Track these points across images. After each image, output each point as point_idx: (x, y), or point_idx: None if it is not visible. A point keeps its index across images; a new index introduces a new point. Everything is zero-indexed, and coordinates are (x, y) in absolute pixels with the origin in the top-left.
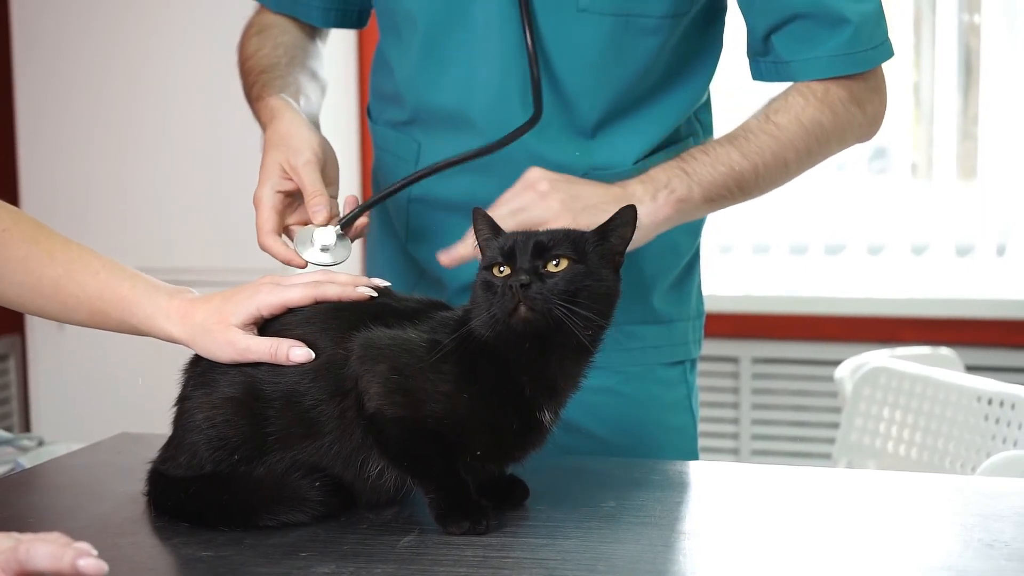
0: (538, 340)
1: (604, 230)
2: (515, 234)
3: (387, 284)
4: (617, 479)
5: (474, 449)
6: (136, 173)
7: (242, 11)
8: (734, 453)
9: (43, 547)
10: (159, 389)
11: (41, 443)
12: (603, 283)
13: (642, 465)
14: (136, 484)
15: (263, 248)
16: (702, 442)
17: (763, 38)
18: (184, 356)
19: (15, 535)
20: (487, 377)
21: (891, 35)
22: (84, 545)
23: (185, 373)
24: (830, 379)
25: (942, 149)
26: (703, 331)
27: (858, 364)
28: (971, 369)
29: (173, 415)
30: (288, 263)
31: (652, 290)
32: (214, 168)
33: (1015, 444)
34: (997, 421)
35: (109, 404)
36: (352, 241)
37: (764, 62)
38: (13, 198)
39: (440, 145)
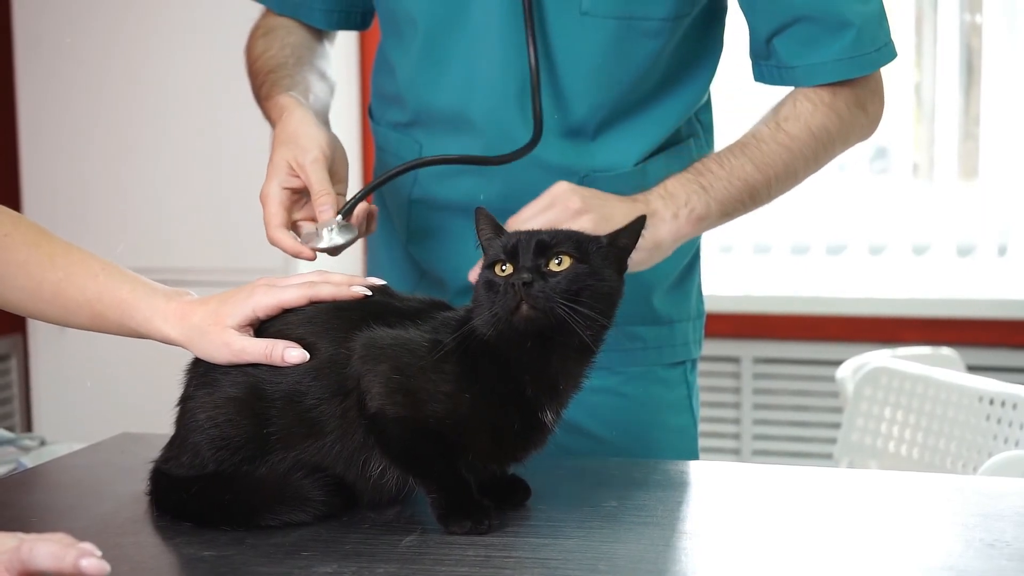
0: (540, 339)
1: (614, 236)
2: (517, 233)
3: (383, 283)
4: (618, 479)
5: (476, 449)
6: (136, 174)
7: (242, 12)
8: (735, 453)
9: (46, 547)
10: (161, 389)
11: (43, 443)
12: (605, 283)
13: (643, 465)
14: (138, 484)
15: (272, 242)
16: (703, 442)
17: (765, 40)
18: (185, 357)
19: (19, 535)
20: (489, 377)
21: (893, 36)
22: (88, 545)
23: (188, 373)
24: (831, 379)
25: (943, 149)
26: (704, 331)
27: (859, 364)
28: (972, 369)
29: (175, 415)
30: (297, 255)
31: (652, 290)
32: (214, 168)
33: (1016, 444)
34: (998, 421)
35: (111, 404)
36: (362, 235)
37: (767, 65)
38: (15, 198)
39: (441, 146)
